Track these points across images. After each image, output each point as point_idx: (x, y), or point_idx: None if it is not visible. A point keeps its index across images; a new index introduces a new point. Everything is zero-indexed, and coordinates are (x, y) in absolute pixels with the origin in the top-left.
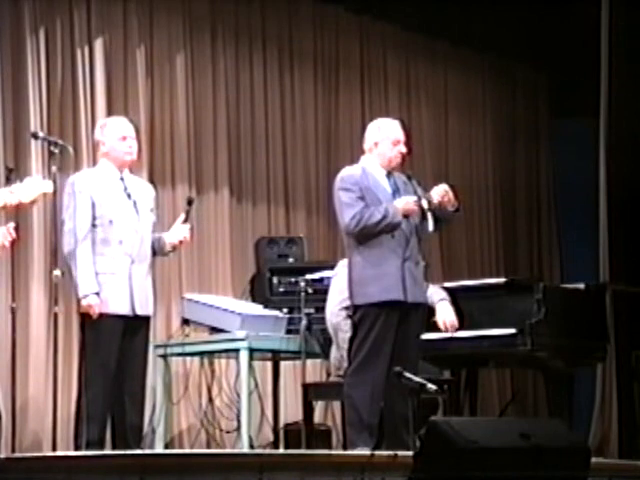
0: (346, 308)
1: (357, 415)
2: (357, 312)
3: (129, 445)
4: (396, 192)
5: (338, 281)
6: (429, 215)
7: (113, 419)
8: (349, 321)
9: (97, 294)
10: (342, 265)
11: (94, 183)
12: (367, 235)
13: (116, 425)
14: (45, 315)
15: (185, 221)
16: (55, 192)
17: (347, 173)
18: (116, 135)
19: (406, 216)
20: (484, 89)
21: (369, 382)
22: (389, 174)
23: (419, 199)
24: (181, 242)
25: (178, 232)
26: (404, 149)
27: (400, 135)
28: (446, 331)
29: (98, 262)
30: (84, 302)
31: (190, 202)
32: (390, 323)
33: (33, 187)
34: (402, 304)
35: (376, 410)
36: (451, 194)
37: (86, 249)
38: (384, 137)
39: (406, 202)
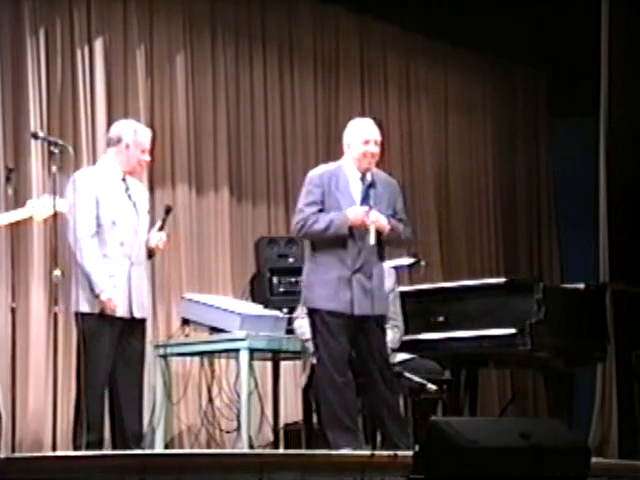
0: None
1: (334, 418)
2: (310, 315)
3: (129, 448)
4: (366, 198)
5: None
6: (371, 228)
7: (112, 424)
8: None
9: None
10: None
11: (97, 182)
12: (318, 241)
13: (115, 431)
14: (45, 315)
15: (161, 229)
16: (55, 194)
17: (316, 173)
18: (140, 145)
19: (352, 227)
20: (484, 89)
21: (339, 387)
22: (364, 176)
23: (369, 210)
24: (156, 248)
25: (153, 238)
26: (374, 149)
27: (369, 134)
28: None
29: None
30: (103, 297)
31: (168, 211)
32: (341, 331)
33: (48, 207)
34: (349, 317)
35: (353, 412)
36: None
37: (94, 245)
38: (354, 137)
39: (355, 213)
